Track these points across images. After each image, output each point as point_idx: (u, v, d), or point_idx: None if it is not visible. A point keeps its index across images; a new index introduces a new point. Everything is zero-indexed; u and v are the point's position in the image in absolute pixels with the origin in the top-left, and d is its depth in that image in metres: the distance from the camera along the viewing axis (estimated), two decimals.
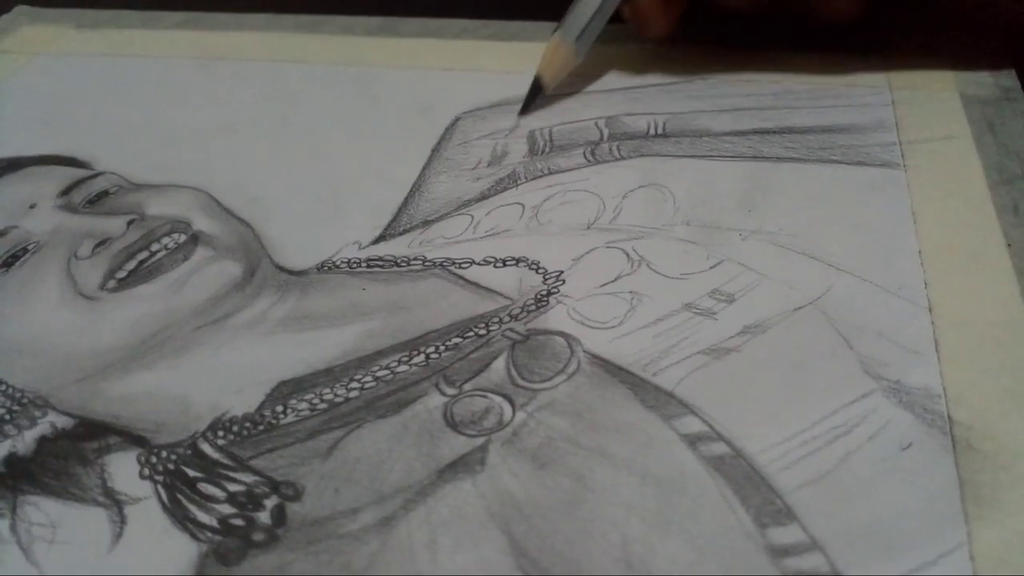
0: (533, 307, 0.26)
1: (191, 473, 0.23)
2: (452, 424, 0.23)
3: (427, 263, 0.28)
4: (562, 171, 0.31)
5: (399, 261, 0.28)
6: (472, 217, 0.30)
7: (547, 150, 0.32)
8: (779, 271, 0.26)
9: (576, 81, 0.35)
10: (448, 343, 0.25)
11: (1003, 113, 0.31)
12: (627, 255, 0.27)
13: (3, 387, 0.26)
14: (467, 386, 0.24)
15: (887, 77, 0.33)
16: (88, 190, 0.32)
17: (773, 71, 0.35)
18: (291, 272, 0.28)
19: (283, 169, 0.33)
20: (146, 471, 0.23)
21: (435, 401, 0.23)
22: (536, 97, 0.34)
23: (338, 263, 0.28)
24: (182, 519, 0.22)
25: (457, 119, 0.34)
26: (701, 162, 0.31)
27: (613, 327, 0.25)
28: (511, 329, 0.25)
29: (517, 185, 0.31)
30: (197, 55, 0.41)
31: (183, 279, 0.28)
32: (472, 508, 0.21)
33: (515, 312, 0.26)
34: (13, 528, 0.22)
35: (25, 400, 0.25)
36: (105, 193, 0.32)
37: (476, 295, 0.27)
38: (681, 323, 0.25)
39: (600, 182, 0.30)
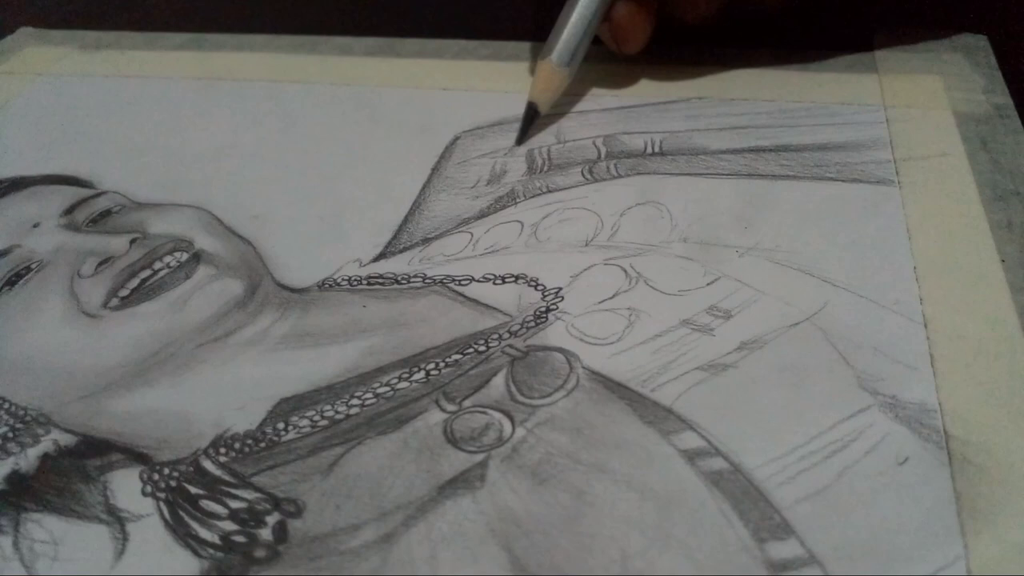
0: (532, 323, 0.26)
1: (193, 490, 0.23)
2: (452, 440, 0.23)
3: (427, 280, 0.28)
4: (560, 189, 0.31)
5: (399, 278, 0.28)
6: (472, 235, 0.30)
7: (545, 168, 0.33)
8: (776, 287, 0.26)
9: (573, 101, 0.36)
10: (448, 360, 0.25)
11: (996, 130, 0.32)
12: (625, 272, 0.27)
13: (6, 405, 0.26)
14: (467, 402, 0.24)
15: (881, 95, 0.34)
16: (91, 209, 0.32)
17: (768, 90, 0.35)
18: (292, 290, 0.29)
19: (284, 187, 0.33)
20: (148, 488, 0.23)
21: (435, 417, 0.24)
22: (532, 123, 0.34)
23: (339, 280, 0.29)
24: (184, 536, 0.22)
25: (456, 138, 0.35)
26: (698, 180, 0.31)
27: (612, 343, 0.25)
28: (510, 345, 0.25)
29: (516, 203, 0.31)
30: (199, 76, 0.41)
31: (185, 297, 0.28)
32: (472, 524, 0.21)
33: (514, 328, 0.26)
34: (16, 545, 0.22)
35: (28, 418, 0.25)
36: (108, 212, 0.32)
37: (476, 312, 0.27)
38: (679, 339, 0.25)
39: (598, 200, 0.31)
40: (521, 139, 0.34)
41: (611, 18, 0.33)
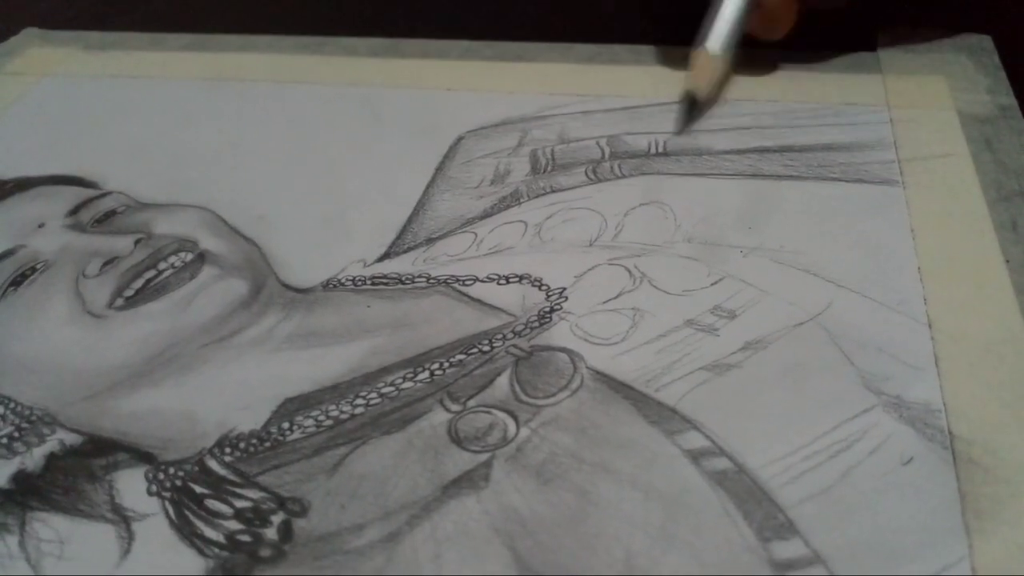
0: (536, 323, 0.26)
1: (198, 489, 0.23)
2: (456, 440, 0.23)
3: (431, 280, 0.28)
4: (564, 189, 0.31)
5: (403, 279, 0.28)
6: (475, 235, 0.30)
7: (549, 168, 0.33)
8: (780, 288, 0.26)
9: (578, 101, 0.36)
10: (452, 360, 0.25)
11: (1000, 131, 0.31)
12: (629, 272, 0.27)
13: (12, 405, 0.26)
14: (471, 402, 0.24)
15: (885, 96, 0.34)
16: (96, 209, 0.32)
17: (772, 90, 0.35)
18: (297, 290, 0.29)
19: (288, 188, 0.33)
20: (154, 487, 0.23)
21: (439, 417, 0.24)
22: (694, 112, 0.34)
23: (343, 281, 0.29)
24: (189, 535, 0.22)
25: (460, 138, 0.35)
26: (702, 180, 0.31)
27: (616, 343, 0.25)
28: (515, 345, 0.25)
29: (520, 203, 0.31)
30: (203, 76, 0.41)
31: (190, 297, 0.28)
32: (477, 524, 0.21)
33: (518, 328, 0.26)
34: (22, 544, 0.22)
35: (34, 417, 0.25)
36: (113, 212, 0.32)
37: (480, 312, 0.27)
38: (683, 339, 0.25)
39: (602, 200, 0.31)
40: (682, 128, 0.34)
41: (761, 4, 0.33)
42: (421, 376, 0.25)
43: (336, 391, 0.25)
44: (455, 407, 0.24)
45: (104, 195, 0.34)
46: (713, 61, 0.33)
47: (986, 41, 0.36)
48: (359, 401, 0.24)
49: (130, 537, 0.22)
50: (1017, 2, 0.39)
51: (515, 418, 0.23)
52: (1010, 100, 0.33)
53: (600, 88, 0.37)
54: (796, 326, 0.25)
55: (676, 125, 0.34)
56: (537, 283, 0.27)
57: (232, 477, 0.23)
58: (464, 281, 0.28)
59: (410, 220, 0.31)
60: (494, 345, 0.25)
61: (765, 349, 0.24)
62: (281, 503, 0.22)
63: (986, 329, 0.24)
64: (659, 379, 0.24)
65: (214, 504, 0.22)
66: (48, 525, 0.22)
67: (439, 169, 0.33)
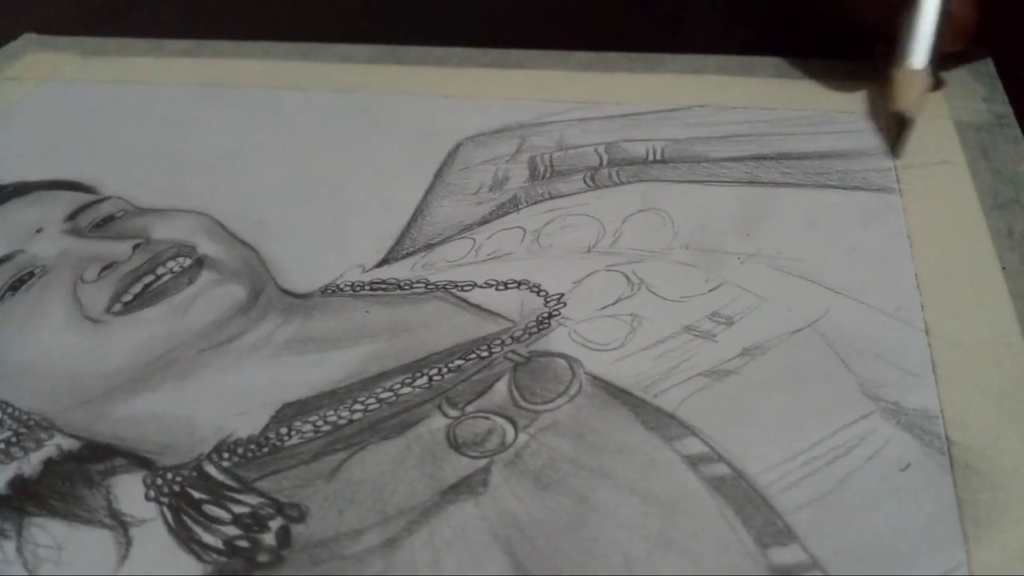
0: (535, 329, 0.26)
1: (196, 495, 0.23)
2: (455, 446, 0.23)
3: (430, 286, 0.28)
4: (562, 196, 0.32)
5: (402, 284, 0.29)
6: (474, 241, 0.30)
7: (547, 175, 0.33)
8: (777, 294, 0.26)
9: (576, 108, 0.36)
10: (451, 365, 0.25)
11: (996, 139, 0.32)
12: (627, 278, 0.27)
13: (9, 410, 0.26)
14: (470, 408, 0.24)
15: (882, 104, 0.34)
16: (94, 214, 0.32)
17: (769, 98, 0.35)
18: (295, 295, 0.29)
19: (287, 193, 0.33)
20: (152, 493, 0.23)
21: (438, 423, 0.24)
22: (907, 132, 0.32)
23: (342, 286, 0.29)
24: (187, 541, 0.22)
25: (459, 145, 0.35)
26: (699, 187, 0.31)
27: (614, 349, 0.25)
28: (513, 351, 0.25)
29: (518, 209, 0.31)
30: (201, 82, 0.41)
31: (188, 302, 0.28)
32: (475, 529, 0.21)
33: (517, 334, 0.26)
34: (19, 550, 0.22)
35: (31, 422, 0.25)
36: (111, 217, 0.32)
37: (478, 317, 0.27)
38: (681, 345, 0.25)
39: (600, 206, 0.31)
40: (900, 151, 0.32)
41: (952, 16, 0.33)
42: (419, 381, 0.25)
43: (334, 396, 0.25)
44: (454, 412, 0.24)
45: (102, 200, 0.33)
46: (919, 77, 0.32)
47: (981, 50, 0.36)
48: (357, 406, 0.24)
49: (128, 543, 0.22)
50: (1013, 12, 0.39)
51: (513, 424, 0.23)
52: (1006, 108, 0.33)
53: (598, 95, 0.37)
54: (794, 332, 0.25)
55: (891, 148, 0.32)
56: (535, 289, 0.28)
57: (230, 483, 0.23)
58: (463, 287, 0.28)
59: (409, 226, 0.31)
60: (492, 351, 0.25)
61: (763, 355, 0.24)
62: (279, 508, 0.22)
63: (983, 335, 0.24)
64: (657, 385, 0.24)
65: (212, 509, 0.22)
66: (46, 531, 0.22)
67: (438, 175, 0.33)
